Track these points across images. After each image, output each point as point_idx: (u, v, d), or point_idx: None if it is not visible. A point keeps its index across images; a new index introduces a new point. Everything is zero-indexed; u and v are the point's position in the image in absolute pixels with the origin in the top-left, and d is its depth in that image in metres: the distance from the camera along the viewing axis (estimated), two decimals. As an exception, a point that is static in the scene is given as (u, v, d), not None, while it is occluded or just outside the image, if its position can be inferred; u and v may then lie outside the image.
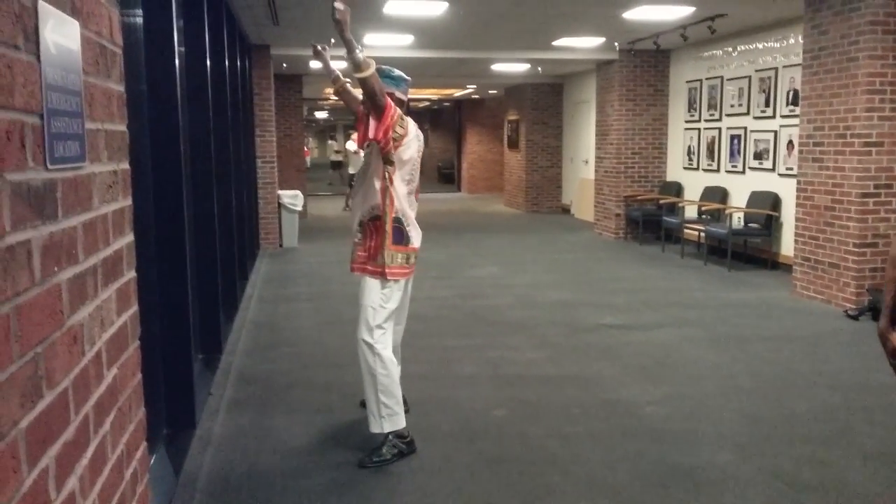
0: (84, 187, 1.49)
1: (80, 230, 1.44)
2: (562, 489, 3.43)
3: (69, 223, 1.38)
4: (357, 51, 3.46)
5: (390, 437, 3.72)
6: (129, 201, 1.87)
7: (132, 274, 1.88)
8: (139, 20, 3.75)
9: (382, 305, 3.73)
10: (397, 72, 3.86)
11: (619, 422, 4.24)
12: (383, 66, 3.84)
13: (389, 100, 3.64)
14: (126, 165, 1.87)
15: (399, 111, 3.69)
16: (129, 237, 1.87)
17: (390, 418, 3.71)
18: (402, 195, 3.77)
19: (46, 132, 1.27)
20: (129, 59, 3.35)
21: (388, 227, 3.70)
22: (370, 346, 3.69)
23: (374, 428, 3.73)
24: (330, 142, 31.32)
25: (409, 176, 3.80)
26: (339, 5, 3.34)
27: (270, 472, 3.61)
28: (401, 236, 3.75)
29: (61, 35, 1.38)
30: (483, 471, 3.62)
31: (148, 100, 3.78)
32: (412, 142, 3.76)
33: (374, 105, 3.59)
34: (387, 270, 3.71)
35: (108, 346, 1.61)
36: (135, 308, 1.89)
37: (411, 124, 3.79)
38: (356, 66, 3.48)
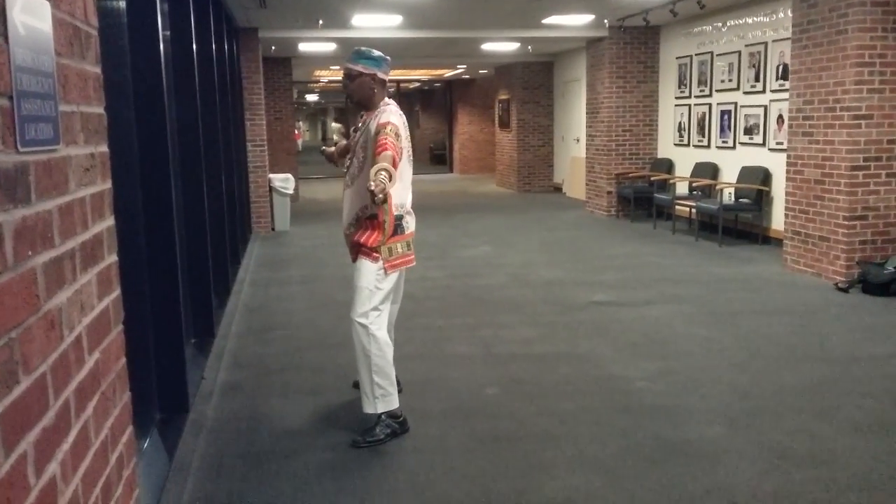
0: (59, 170, 1.47)
1: (55, 214, 1.42)
2: (555, 465, 3.45)
3: (44, 206, 1.37)
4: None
5: (383, 417, 3.73)
6: (108, 184, 1.85)
7: (113, 258, 1.86)
8: (122, 4, 3.70)
9: (378, 287, 3.72)
10: (377, 52, 3.82)
11: (611, 398, 4.26)
12: (362, 48, 3.81)
13: (395, 158, 3.51)
14: (105, 148, 1.84)
15: (399, 138, 3.63)
16: (110, 221, 1.85)
17: (384, 399, 3.71)
18: (405, 187, 3.76)
19: (16, 114, 1.25)
20: (113, 43, 3.33)
21: (388, 227, 3.67)
22: (365, 328, 3.68)
23: (368, 408, 3.74)
24: (334, 124, 31.28)
25: (409, 160, 3.78)
26: (379, 198, 3.22)
27: (264, 455, 3.62)
28: (397, 227, 3.74)
29: (31, 16, 1.35)
30: (477, 449, 3.63)
31: (133, 84, 3.74)
32: (402, 130, 3.74)
33: None
34: (387, 265, 3.70)
35: (88, 331, 1.60)
36: (117, 292, 1.88)
37: (393, 113, 3.74)
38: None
